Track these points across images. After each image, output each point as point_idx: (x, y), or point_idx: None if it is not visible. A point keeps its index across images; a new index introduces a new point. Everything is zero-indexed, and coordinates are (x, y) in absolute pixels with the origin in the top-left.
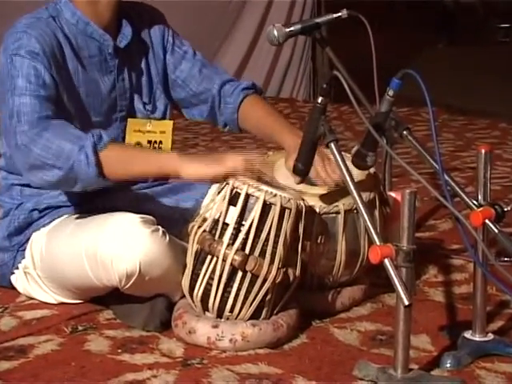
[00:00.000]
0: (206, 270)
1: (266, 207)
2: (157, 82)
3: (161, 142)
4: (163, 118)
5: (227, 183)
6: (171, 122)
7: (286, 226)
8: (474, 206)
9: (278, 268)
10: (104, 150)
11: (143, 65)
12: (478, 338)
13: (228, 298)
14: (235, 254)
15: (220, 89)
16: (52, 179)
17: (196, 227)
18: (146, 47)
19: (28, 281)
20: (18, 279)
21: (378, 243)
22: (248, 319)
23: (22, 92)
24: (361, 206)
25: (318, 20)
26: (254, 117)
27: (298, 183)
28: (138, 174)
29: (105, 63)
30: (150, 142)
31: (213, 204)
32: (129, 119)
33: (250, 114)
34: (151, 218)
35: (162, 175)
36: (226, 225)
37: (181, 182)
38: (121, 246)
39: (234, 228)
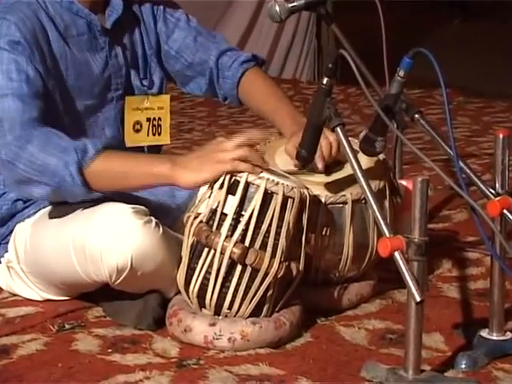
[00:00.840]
0: (203, 264)
1: (268, 196)
2: (150, 54)
3: (160, 119)
4: (160, 92)
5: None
6: (168, 96)
7: (289, 216)
8: (491, 195)
9: (280, 262)
10: (91, 165)
11: (136, 38)
12: (495, 336)
13: (226, 293)
14: (234, 246)
15: (217, 60)
16: (41, 195)
17: (192, 218)
18: (137, 18)
19: (11, 276)
20: (0, 274)
21: (387, 235)
22: (248, 317)
23: (4, 92)
24: (369, 195)
25: None
26: (254, 95)
27: (298, 168)
28: (130, 189)
29: (95, 40)
30: (148, 119)
31: (210, 193)
32: (127, 97)
33: (250, 92)
34: (143, 208)
35: (156, 186)
36: (224, 215)
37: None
38: (111, 238)
39: (233, 219)
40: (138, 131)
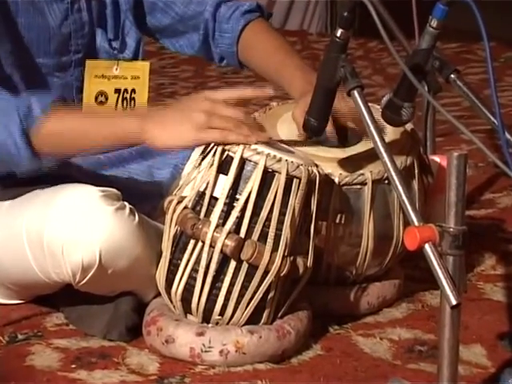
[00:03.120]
0: (189, 260)
1: (268, 176)
2: (126, 10)
3: (134, 91)
4: (135, 58)
5: (216, 144)
6: (147, 63)
7: (294, 201)
8: None
9: (284, 256)
10: (36, 126)
11: None
12: None
13: (217, 296)
14: (227, 237)
15: (215, 11)
16: None
17: (175, 203)
18: None
19: None
20: None
21: (416, 224)
22: (244, 324)
23: None
24: (393, 174)
25: None
26: (257, 51)
27: (303, 139)
28: (87, 152)
29: None
30: (118, 90)
31: (197, 172)
32: (87, 61)
33: (253, 47)
34: (115, 191)
35: (121, 148)
36: (214, 199)
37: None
38: (75, 228)
39: (225, 204)
40: (101, 103)
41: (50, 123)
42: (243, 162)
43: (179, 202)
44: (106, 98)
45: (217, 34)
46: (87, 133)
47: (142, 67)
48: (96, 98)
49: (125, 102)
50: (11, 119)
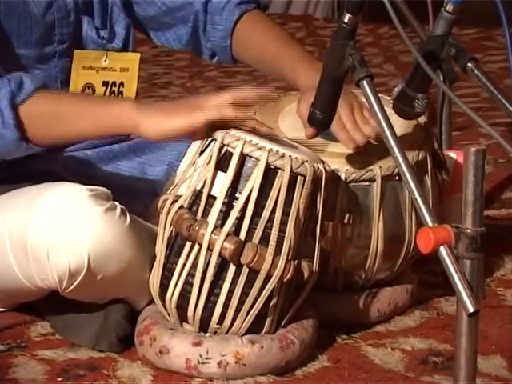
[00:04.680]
0: (184, 264)
1: (270, 173)
2: None
3: (122, 84)
4: (125, 47)
5: (214, 139)
6: (137, 54)
7: (299, 200)
8: None
9: (287, 260)
10: (27, 102)
11: None
12: None
13: (216, 303)
14: (226, 240)
15: (206, 2)
16: None
17: (169, 202)
18: None
19: None
20: None
21: (430, 224)
22: (244, 333)
23: None
24: (405, 170)
25: None
26: (254, 43)
27: (309, 137)
28: (78, 136)
29: None
30: (106, 83)
31: (193, 169)
32: (76, 51)
33: (248, 40)
34: (105, 190)
35: (112, 134)
36: (212, 198)
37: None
38: (61, 229)
39: (224, 203)
40: None
41: (40, 101)
42: (243, 158)
43: (174, 202)
44: (93, 91)
45: (208, 26)
46: (77, 115)
47: (132, 58)
48: (83, 91)
49: (112, 95)
50: (0, 93)
